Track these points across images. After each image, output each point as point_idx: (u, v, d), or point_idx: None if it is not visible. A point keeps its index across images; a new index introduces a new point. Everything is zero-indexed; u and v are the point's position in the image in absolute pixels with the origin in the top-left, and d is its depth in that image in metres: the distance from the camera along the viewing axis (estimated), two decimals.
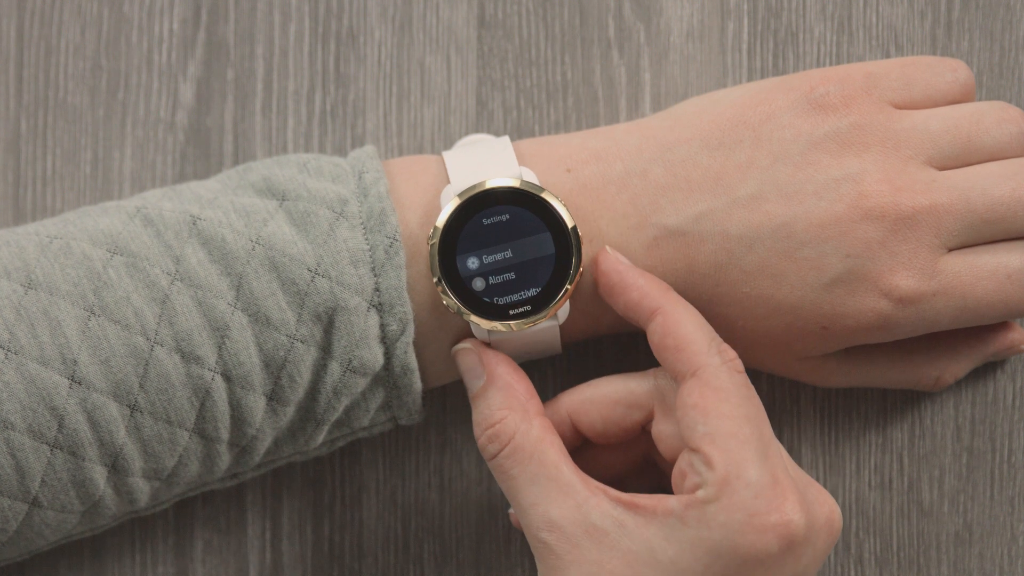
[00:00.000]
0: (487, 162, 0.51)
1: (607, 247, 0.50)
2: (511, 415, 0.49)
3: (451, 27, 0.59)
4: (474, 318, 0.50)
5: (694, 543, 0.45)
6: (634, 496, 0.47)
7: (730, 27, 0.59)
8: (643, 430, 0.51)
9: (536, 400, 0.50)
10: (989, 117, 0.51)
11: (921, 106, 0.52)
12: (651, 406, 0.50)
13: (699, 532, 0.45)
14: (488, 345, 0.51)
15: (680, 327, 0.48)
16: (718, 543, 0.45)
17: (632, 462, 0.53)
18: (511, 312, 0.50)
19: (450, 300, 0.50)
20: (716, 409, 0.46)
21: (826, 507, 0.48)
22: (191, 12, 0.59)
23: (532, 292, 0.50)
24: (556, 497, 0.47)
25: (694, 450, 0.46)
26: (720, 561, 0.45)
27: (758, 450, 0.46)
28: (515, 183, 0.50)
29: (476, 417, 0.50)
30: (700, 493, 0.46)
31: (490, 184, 0.50)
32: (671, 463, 0.49)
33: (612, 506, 0.47)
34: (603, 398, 0.51)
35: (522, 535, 0.58)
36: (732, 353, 0.48)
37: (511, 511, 0.54)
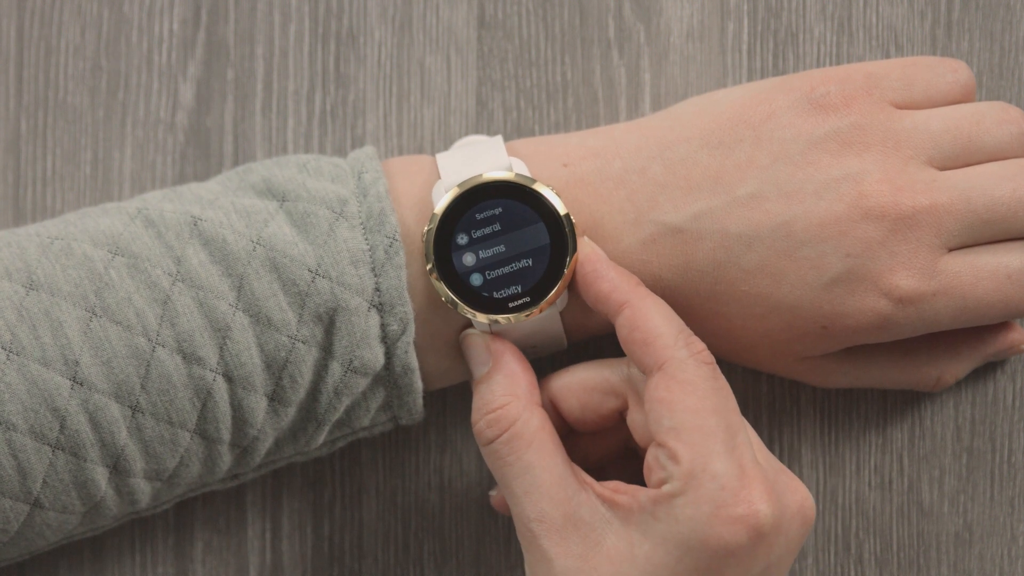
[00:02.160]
0: (477, 157, 0.51)
1: (585, 237, 0.51)
2: (514, 402, 0.49)
3: (451, 27, 0.59)
4: (470, 311, 0.50)
5: (665, 537, 0.46)
6: (615, 491, 0.47)
7: (730, 27, 0.59)
8: (621, 417, 0.51)
9: (537, 391, 0.50)
10: (989, 117, 0.51)
11: (921, 106, 0.52)
12: (625, 394, 0.50)
13: (668, 527, 0.45)
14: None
15: (647, 320, 0.48)
16: (687, 537, 0.45)
17: (614, 449, 0.53)
18: (510, 305, 0.50)
19: (444, 291, 0.50)
20: (681, 403, 0.46)
21: (798, 495, 0.48)
22: (191, 12, 0.59)
23: (529, 283, 0.50)
24: (549, 488, 0.47)
25: (660, 444, 0.46)
26: (691, 555, 0.45)
27: (724, 442, 0.46)
28: (507, 175, 0.50)
29: (477, 402, 0.50)
30: (666, 488, 0.46)
31: (482, 177, 0.50)
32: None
33: (599, 502, 0.47)
34: (580, 384, 0.51)
35: None
36: (700, 345, 0.48)
37: (493, 493, 0.54)
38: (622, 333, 0.49)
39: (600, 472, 0.53)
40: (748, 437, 0.47)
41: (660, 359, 0.47)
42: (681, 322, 0.49)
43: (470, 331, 0.51)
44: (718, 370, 0.48)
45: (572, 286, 0.51)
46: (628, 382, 0.50)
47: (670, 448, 0.46)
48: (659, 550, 0.46)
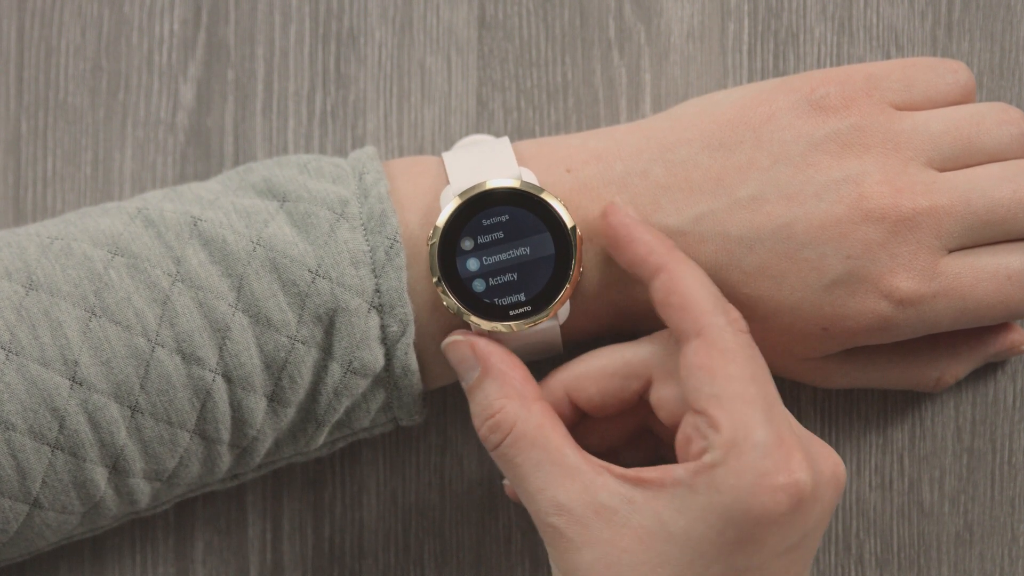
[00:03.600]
0: (486, 163, 0.51)
1: (616, 199, 0.50)
2: (509, 403, 0.49)
3: (451, 28, 0.59)
4: (474, 319, 0.50)
5: (705, 510, 0.45)
6: (639, 471, 0.47)
7: (730, 28, 0.59)
8: (640, 399, 0.51)
9: (533, 385, 0.50)
10: (989, 118, 0.51)
11: (921, 107, 0.52)
12: (648, 374, 0.50)
13: (709, 498, 0.45)
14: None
15: (685, 285, 0.48)
16: (729, 507, 0.45)
17: (628, 432, 0.53)
18: (511, 313, 0.50)
19: (450, 301, 0.50)
20: (722, 370, 0.46)
21: (830, 461, 0.47)
22: (191, 13, 0.59)
23: (532, 293, 0.50)
24: (562, 481, 0.47)
25: (699, 412, 0.46)
26: (732, 525, 0.45)
27: (764, 410, 0.46)
28: (515, 183, 0.50)
29: (474, 408, 0.50)
30: (707, 457, 0.45)
31: (490, 184, 0.50)
32: (671, 429, 0.49)
33: (619, 484, 0.47)
34: (599, 371, 0.50)
35: (521, 536, 0.58)
36: (736, 313, 0.48)
37: (506, 482, 0.54)
38: (658, 297, 0.48)
39: (613, 456, 0.53)
40: (783, 407, 0.47)
41: (699, 325, 0.47)
42: (717, 289, 0.48)
43: (452, 338, 0.51)
44: (752, 340, 0.48)
45: (573, 296, 0.51)
46: (653, 359, 0.49)
47: (711, 416, 0.46)
48: (699, 524, 0.45)
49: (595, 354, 0.51)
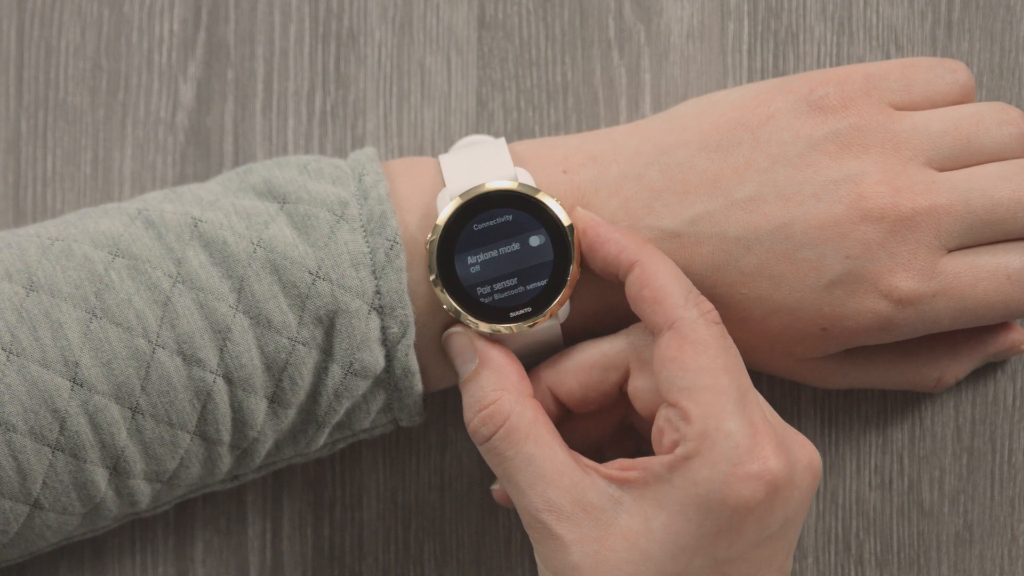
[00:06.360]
0: (483, 165, 0.51)
1: (578, 207, 0.50)
2: (505, 396, 0.49)
3: (451, 28, 0.59)
4: (473, 320, 0.50)
5: (683, 503, 0.46)
6: (624, 471, 0.47)
7: (730, 27, 0.59)
8: (621, 392, 0.51)
9: (527, 383, 0.50)
10: (989, 118, 0.51)
11: (921, 107, 0.52)
12: (626, 364, 0.50)
13: (685, 491, 0.45)
14: None
15: (657, 279, 0.48)
16: (706, 498, 0.45)
17: (610, 429, 0.53)
18: (511, 314, 0.50)
19: (447, 300, 0.50)
20: (693, 362, 0.46)
21: (806, 449, 0.48)
22: (191, 12, 0.59)
23: (532, 293, 0.50)
24: (552, 478, 0.47)
25: (672, 404, 0.47)
26: (711, 516, 0.45)
27: (736, 400, 0.46)
28: (511, 185, 0.50)
29: (468, 400, 0.50)
30: (680, 449, 0.46)
31: (487, 186, 0.50)
32: (649, 421, 0.49)
33: (606, 484, 0.47)
34: (578, 365, 0.51)
35: (521, 536, 0.58)
36: (709, 305, 0.48)
37: (495, 487, 0.54)
38: (631, 291, 0.49)
39: (597, 453, 0.53)
40: (757, 397, 0.48)
41: (671, 318, 0.47)
42: (690, 282, 0.49)
43: (454, 330, 0.51)
44: (726, 330, 0.48)
45: (572, 296, 0.51)
46: (630, 350, 0.50)
47: (682, 408, 0.46)
48: (678, 517, 0.46)
49: (574, 349, 0.51)
